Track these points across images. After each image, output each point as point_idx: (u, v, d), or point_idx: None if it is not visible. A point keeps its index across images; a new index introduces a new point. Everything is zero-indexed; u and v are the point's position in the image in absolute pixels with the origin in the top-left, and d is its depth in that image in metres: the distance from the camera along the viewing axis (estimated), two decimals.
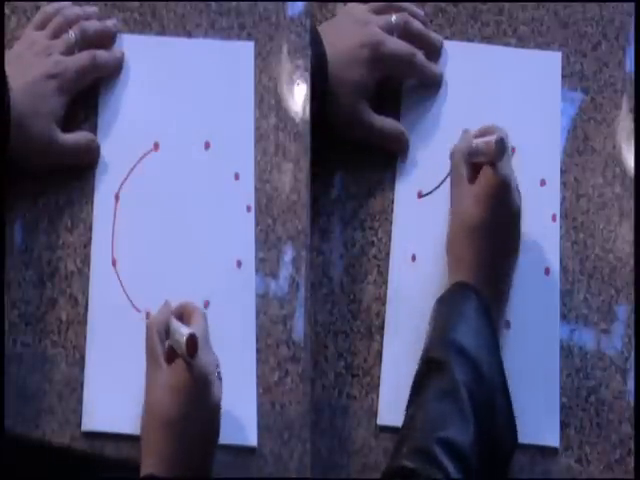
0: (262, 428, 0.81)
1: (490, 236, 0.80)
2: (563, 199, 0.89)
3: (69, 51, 0.87)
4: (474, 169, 0.82)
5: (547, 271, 0.87)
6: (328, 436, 0.82)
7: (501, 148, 0.79)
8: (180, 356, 0.74)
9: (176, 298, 0.82)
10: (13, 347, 0.82)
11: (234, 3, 0.93)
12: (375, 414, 0.83)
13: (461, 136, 0.85)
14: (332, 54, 0.85)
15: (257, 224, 0.86)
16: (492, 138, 0.80)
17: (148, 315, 0.83)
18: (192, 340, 0.73)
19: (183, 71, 0.90)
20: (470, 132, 0.85)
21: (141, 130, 0.88)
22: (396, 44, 0.88)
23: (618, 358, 0.85)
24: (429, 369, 0.76)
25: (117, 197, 0.86)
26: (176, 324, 0.77)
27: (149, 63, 0.91)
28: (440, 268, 0.86)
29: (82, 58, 0.87)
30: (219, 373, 0.76)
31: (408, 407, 0.76)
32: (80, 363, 0.82)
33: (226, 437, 0.79)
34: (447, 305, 0.79)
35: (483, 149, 0.81)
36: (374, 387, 0.84)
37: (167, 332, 0.77)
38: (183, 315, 0.79)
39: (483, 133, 0.84)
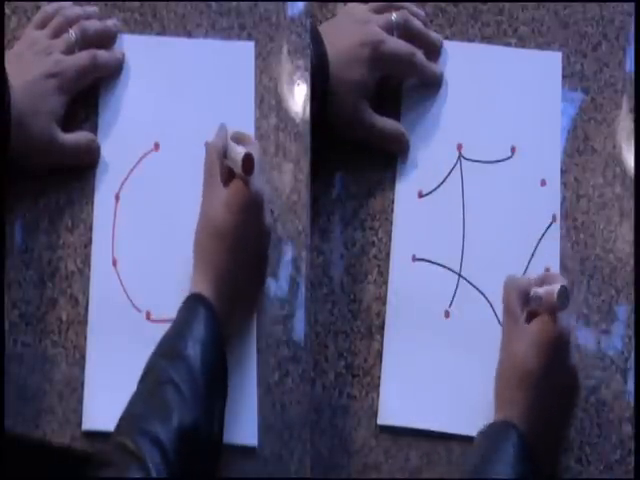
0: (262, 428, 0.81)
1: (544, 384, 0.77)
2: (563, 199, 0.89)
3: (69, 51, 0.87)
4: (530, 311, 0.79)
5: (547, 271, 0.87)
6: (328, 436, 0.82)
7: (564, 299, 0.76)
8: (237, 177, 0.77)
9: (176, 298, 0.82)
10: (13, 347, 0.82)
11: (234, 3, 0.93)
12: (375, 414, 0.83)
13: (509, 278, 0.81)
14: (332, 54, 0.85)
15: None
16: (554, 288, 0.77)
17: (149, 315, 0.83)
18: (248, 158, 0.76)
19: (183, 71, 0.90)
20: (524, 279, 0.82)
21: (141, 130, 0.88)
22: (396, 43, 0.88)
23: (618, 358, 0.85)
24: None
25: (117, 197, 0.86)
26: (233, 145, 0.80)
27: (149, 63, 0.91)
28: (440, 268, 0.86)
29: (82, 58, 0.87)
30: (272, 211, 0.80)
31: None
32: (80, 363, 0.82)
33: (226, 437, 0.79)
34: (485, 441, 0.76)
35: (542, 298, 0.78)
36: (374, 387, 0.84)
37: (225, 155, 0.80)
38: (239, 141, 0.81)
39: (542, 281, 0.80)
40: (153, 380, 0.73)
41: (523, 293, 0.80)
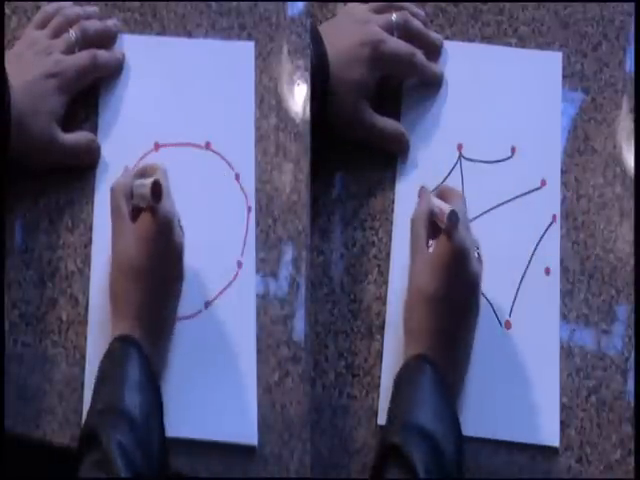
0: (262, 428, 0.81)
1: (445, 306, 0.78)
2: (563, 199, 0.89)
3: (69, 50, 0.87)
4: (433, 232, 0.80)
5: (547, 271, 0.87)
6: (328, 436, 0.82)
7: (453, 221, 0.77)
8: (144, 210, 0.77)
9: None
10: (13, 347, 0.82)
11: (234, 3, 0.93)
12: (375, 414, 0.83)
13: (419, 197, 0.83)
14: (332, 54, 0.85)
15: (257, 224, 0.86)
16: (445, 209, 0.78)
17: None
18: (157, 185, 0.76)
19: (183, 71, 0.90)
20: (428, 193, 0.83)
21: (141, 130, 0.88)
22: (396, 43, 0.88)
23: (618, 358, 0.85)
24: (389, 455, 0.73)
25: None
26: (138, 180, 0.80)
27: (149, 63, 0.91)
28: None
29: (82, 57, 0.87)
30: (179, 221, 0.79)
31: None
32: (80, 363, 0.82)
33: (226, 437, 0.79)
34: (404, 382, 0.77)
35: (438, 215, 0.79)
36: (374, 387, 0.84)
37: (131, 195, 0.80)
38: (145, 175, 0.81)
39: (443, 194, 0.82)
40: (98, 444, 0.71)
41: (429, 218, 0.80)
